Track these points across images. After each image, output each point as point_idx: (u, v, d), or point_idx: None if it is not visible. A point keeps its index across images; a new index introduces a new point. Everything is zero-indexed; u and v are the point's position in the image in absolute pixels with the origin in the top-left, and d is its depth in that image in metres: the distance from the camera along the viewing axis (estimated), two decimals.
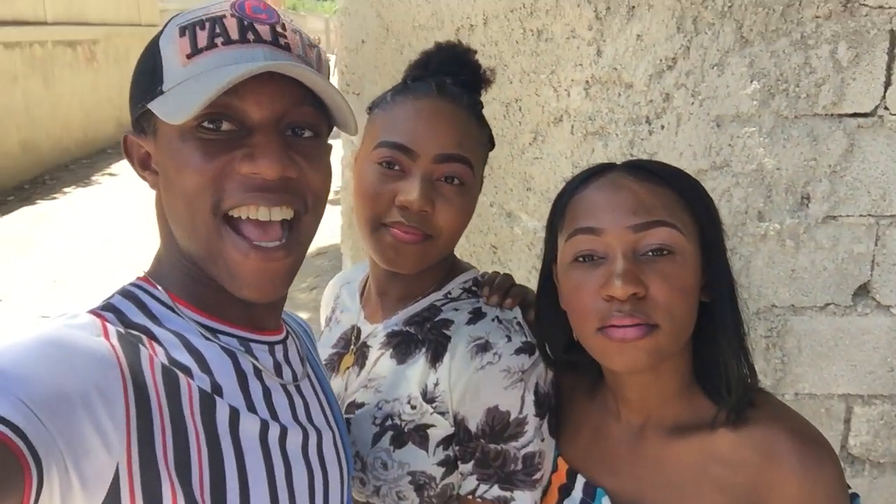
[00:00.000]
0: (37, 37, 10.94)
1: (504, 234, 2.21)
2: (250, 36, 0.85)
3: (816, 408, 2.12)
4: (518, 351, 1.10)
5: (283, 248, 0.88)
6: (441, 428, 1.12)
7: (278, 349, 0.99)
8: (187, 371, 0.85)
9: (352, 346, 1.29)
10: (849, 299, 2.03)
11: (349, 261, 2.60)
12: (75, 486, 0.70)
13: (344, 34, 2.46)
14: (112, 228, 8.17)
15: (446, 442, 1.12)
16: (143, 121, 0.90)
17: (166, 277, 0.93)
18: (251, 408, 0.90)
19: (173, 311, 0.90)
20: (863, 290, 2.04)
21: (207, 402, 0.85)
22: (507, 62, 2.08)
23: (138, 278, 0.94)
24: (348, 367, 1.28)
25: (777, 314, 2.05)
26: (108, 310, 0.87)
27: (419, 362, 1.17)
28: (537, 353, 1.12)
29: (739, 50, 1.88)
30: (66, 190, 10.30)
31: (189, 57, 0.84)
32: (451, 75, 1.20)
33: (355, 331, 1.31)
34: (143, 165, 0.93)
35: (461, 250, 2.34)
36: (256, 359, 0.94)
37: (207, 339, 0.90)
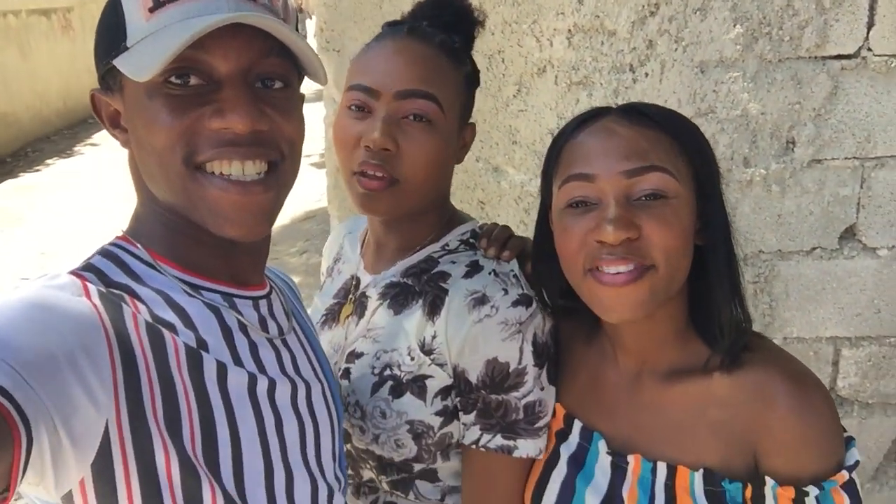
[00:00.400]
0: (10, 6, 10.72)
1: (491, 189, 2.20)
2: None
3: (805, 351, 2.14)
4: (515, 303, 1.10)
5: (261, 182, 0.87)
6: (439, 379, 1.13)
7: (262, 304, 0.99)
8: (171, 327, 0.85)
9: (351, 296, 1.30)
10: (835, 242, 2.04)
11: (336, 222, 2.58)
12: (65, 444, 0.70)
13: None
14: (97, 198, 8.10)
15: (444, 392, 1.14)
16: (108, 78, 0.88)
17: (146, 235, 0.92)
18: (238, 362, 0.90)
19: (154, 268, 0.89)
20: (849, 233, 2.04)
21: (194, 357, 0.85)
22: (488, 13, 2.04)
23: (117, 237, 0.93)
24: (348, 316, 1.29)
25: (764, 260, 2.06)
26: (88, 270, 0.86)
27: (416, 314, 1.17)
28: (534, 305, 1.12)
29: None
30: (48, 162, 10.19)
31: (151, 11, 0.82)
32: (430, 18, 1.19)
33: (354, 280, 1.32)
34: (113, 123, 0.92)
35: None
36: (241, 314, 0.94)
37: (190, 295, 0.90)
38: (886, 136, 1.95)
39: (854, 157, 1.97)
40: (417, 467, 1.19)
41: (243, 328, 0.94)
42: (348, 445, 1.24)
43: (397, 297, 1.21)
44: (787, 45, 1.88)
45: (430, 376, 1.14)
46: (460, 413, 1.14)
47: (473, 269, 1.17)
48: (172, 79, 0.83)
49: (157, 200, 0.90)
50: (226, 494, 0.83)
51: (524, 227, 2.15)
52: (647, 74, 1.93)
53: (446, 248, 1.23)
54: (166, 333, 0.84)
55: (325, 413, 1.04)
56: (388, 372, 1.16)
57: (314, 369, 1.06)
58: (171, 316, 0.86)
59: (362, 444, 1.19)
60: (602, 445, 1.09)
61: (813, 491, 0.96)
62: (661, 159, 0.98)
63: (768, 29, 1.87)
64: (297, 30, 0.93)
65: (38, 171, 9.74)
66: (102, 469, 0.75)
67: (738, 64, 1.90)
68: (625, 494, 1.04)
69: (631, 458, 1.05)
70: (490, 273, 1.15)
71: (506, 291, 1.11)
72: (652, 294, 0.96)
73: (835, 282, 2.07)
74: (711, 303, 1.03)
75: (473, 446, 1.13)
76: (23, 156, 10.46)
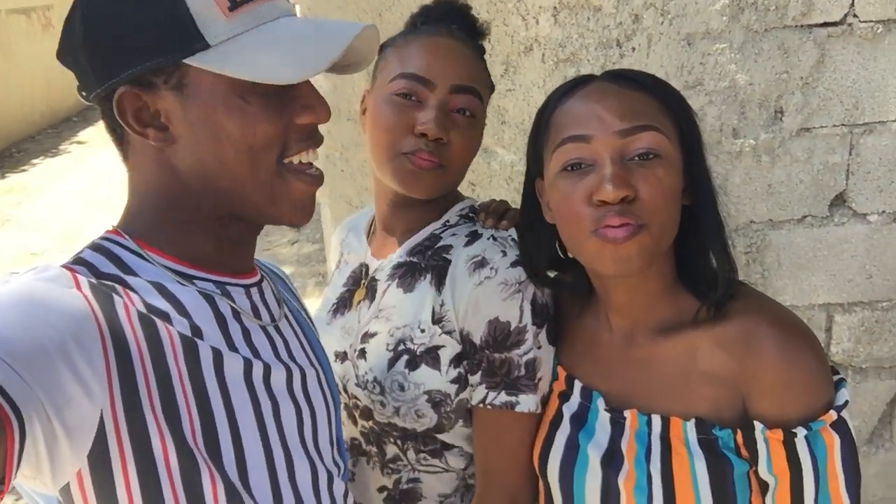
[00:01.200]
0: None
1: (481, 171, 2.20)
2: None
3: None
4: (514, 264, 1.15)
5: (319, 173, 0.95)
6: (450, 347, 1.18)
7: (254, 291, 1.00)
8: (165, 316, 0.85)
9: (362, 281, 1.35)
10: (825, 210, 2.05)
11: (327, 209, 2.58)
12: (60, 435, 0.70)
13: None
14: (85, 196, 8.07)
15: (457, 360, 1.18)
16: (152, 75, 0.85)
17: (138, 228, 0.92)
18: (232, 347, 0.91)
19: (146, 259, 0.90)
20: (839, 200, 2.06)
21: (189, 345, 0.85)
22: None
23: (107, 231, 0.93)
24: (360, 301, 1.33)
25: (756, 230, 2.07)
26: (78, 263, 0.86)
27: (424, 288, 1.22)
28: None
29: None
30: (34, 161, 10.13)
31: (231, 10, 0.83)
32: (456, 22, 1.27)
33: (363, 267, 1.36)
34: (142, 122, 0.87)
35: None
36: (234, 301, 0.95)
37: (183, 284, 0.90)
38: (874, 102, 1.96)
39: (842, 125, 1.98)
40: (443, 438, 1.23)
41: (237, 315, 0.94)
42: (370, 422, 1.26)
43: (405, 275, 1.26)
44: (773, 15, 1.88)
45: (442, 346, 1.18)
46: (468, 375, 1.18)
47: (473, 237, 1.22)
48: None
49: (154, 192, 0.90)
50: (226, 481, 0.83)
51: (515, 206, 2.15)
52: (633, 49, 1.93)
53: (447, 224, 1.29)
54: (160, 323, 0.84)
55: (321, 399, 1.05)
56: (402, 347, 1.20)
57: (308, 355, 1.06)
58: (164, 305, 0.86)
59: (384, 418, 1.23)
60: (601, 403, 1.12)
61: (801, 432, 0.98)
62: (652, 119, 1.00)
63: None
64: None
65: (24, 171, 9.69)
66: (99, 460, 0.75)
67: (724, 35, 1.91)
68: (623, 448, 1.07)
69: (627, 413, 1.08)
70: (489, 238, 1.20)
71: (504, 253, 1.16)
72: (645, 250, 0.99)
73: (826, 249, 2.08)
74: (698, 258, 1.07)
75: (481, 405, 1.17)
76: (8, 156, 10.39)
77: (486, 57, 1.97)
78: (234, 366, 0.89)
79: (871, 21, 1.90)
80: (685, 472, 1.02)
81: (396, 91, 1.18)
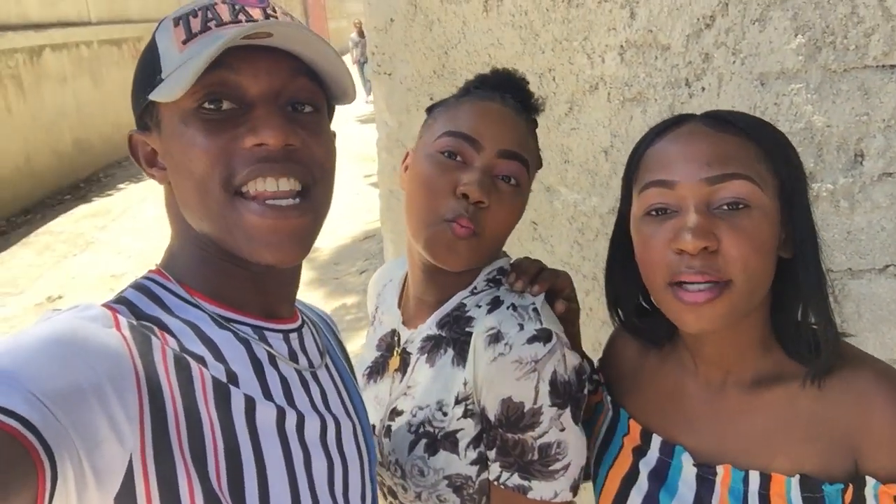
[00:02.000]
0: (82, 37, 11.17)
1: (544, 210, 2.16)
2: (242, 17, 0.86)
3: None
4: (531, 339, 1.08)
5: (297, 208, 0.88)
6: (469, 429, 1.12)
7: (293, 337, 0.99)
8: (201, 360, 0.85)
9: (395, 350, 1.30)
10: None
11: (390, 244, 2.58)
12: (89, 479, 0.69)
13: (372, 14, 2.42)
14: (166, 221, 8.33)
15: (476, 440, 1.13)
16: (146, 117, 0.90)
17: (179, 269, 0.92)
18: (267, 395, 0.90)
19: (186, 301, 0.90)
20: None
21: (222, 391, 0.84)
22: (538, 31, 2.02)
23: (150, 271, 0.94)
24: (394, 371, 1.29)
25: (834, 278, 1.96)
26: (120, 303, 0.87)
27: (446, 365, 1.18)
28: (554, 340, 1.09)
29: (781, 3, 1.79)
30: (119, 186, 10.54)
31: (184, 42, 0.84)
32: (511, 92, 1.24)
33: (396, 336, 1.32)
34: (150, 163, 0.93)
35: None
36: (271, 346, 0.93)
37: (221, 327, 0.89)
38: None
39: None
40: None
41: (273, 360, 0.93)
42: (396, 501, 1.23)
43: (432, 350, 1.22)
44: (853, 54, 1.79)
45: (461, 429, 1.12)
46: (487, 451, 1.13)
47: (493, 305, 1.17)
48: (206, 104, 0.84)
49: (192, 232, 0.91)
50: None
51: (578, 247, 2.10)
52: (703, 89, 1.87)
53: (474, 291, 1.23)
54: (194, 366, 0.83)
55: (356, 453, 1.02)
56: (422, 429, 1.16)
57: (345, 407, 1.04)
58: (200, 349, 0.86)
59: (407, 501, 1.19)
60: (686, 458, 1.06)
61: None
62: (743, 167, 0.95)
63: (832, 38, 1.79)
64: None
65: (109, 195, 10.08)
66: (126, 502, 0.74)
67: (800, 75, 1.82)
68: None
69: (720, 469, 1.02)
70: (508, 307, 1.15)
71: (521, 327, 1.10)
72: (731, 310, 0.94)
73: None
74: (796, 316, 1.01)
75: (496, 482, 1.12)
76: (95, 181, 10.84)
77: (551, 95, 1.95)
78: (266, 414, 0.88)
79: None
80: None
81: (442, 149, 1.15)
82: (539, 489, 1.09)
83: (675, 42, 1.85)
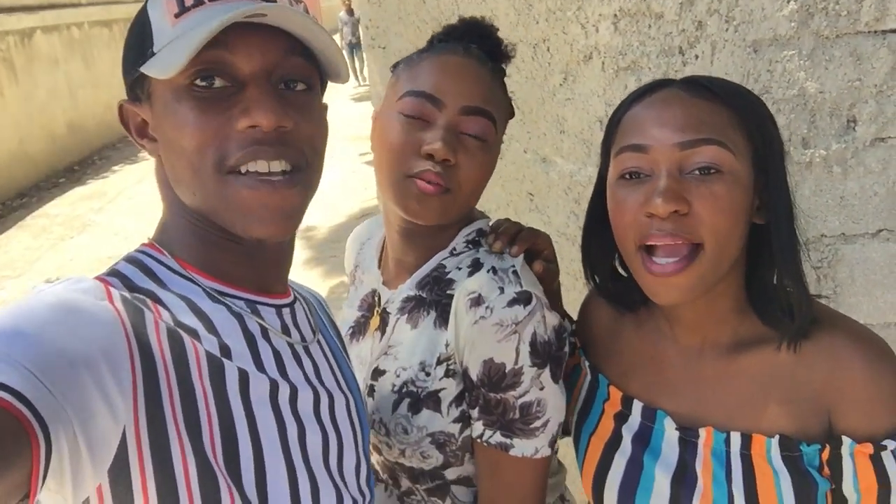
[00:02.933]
0: (73, 19, 11.08)
1: (540, 180, 2.18)
2: None
3: None
4: (511, 302, 1.09)
5: (288, 181, 0.87)
6: (451, 388, 1.14)
7: (286, 312, 0.99)
8: (194, 334, 0.85)
9: (375, 309, 1.31)
10: None
11: None
12: (83, 451, 0.69)
13: None
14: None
15: (458, 399, 1.15)
16: (137, 88, 0.90)
17: (172, 242, 0.93)
18: (260, 368, 0.90)
19: (179, 274, 0.90)
20: None
21: (215, 364, 0.85)
22: (532, 2, 2.02)
23: (143, 244, 0.94)
24: (374, 331, 1.29)
25: (827, 244, 1.98)
26: (113, 275, 0.87)
27: (428, 327, 1.18)
28: (534, 302, 1.10)
29: None
30: (114, 168, 10.51)
31: (177, 16, 0.84)
32: (475, 44, 1.21)
33: (376, 296, 1.32)
34: (140, 133, 0.93)
35: (497, 200, 2.31)
36: (263, 319, 0.94)
37: (214, 301, 0.90)
38: None
39: None
40: (451, 474, 1.20)
41: (265, 334, 0.94)
42: (381, 457, 1.25)
43: (412, 311, 1.22)
44: (845, 20, 1.80)
45: (443, 388, 1.14)
46: (469, 410, 1.14)
47: (474, 267, 1.17)
48: (198, 81, 0.84)
49: (184, 207, 0.91)
50: (245, 501, 0.82)
51: (574, 218, 2.12)
52: (697, 56, 1.87)
53: (454, 252, 1.23)
54: (187, 339, 0.84)
55: (349, 426, 1.03)
56: (405, 389, 1.17)
57: (337, 381, 1.05)
58: (194, 322, 0.86)
59: (392, 457, 1.21)
60: (669, 422, 1.08)
61: (890, 444, 0.95)
62: (716, 132, 0.96)
63: (824, 4, 1.80)
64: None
65: (104, 177, 10.06)
66: (119, 475, 0.75)
67: (793, 42, 1.83)
68: (699, 468, 1.04)
69: (702, 432, 1.05)
70: (488, 271, 1.14)
71: (502, 290, 1.10)
72: (701, 278, 0.95)
73: None
74: (770, 282, 1.03)
75: (479, 440, 1.14)
76: (90, 163, 10.80)
77: (545, 65, 1.94)
78: (260, 387, 0.88)
79: None
80: (770, 490, 0.99)
81: (403, 110, 1.13)
82: (520, 446, 1.11)
83: (668, 10, 1.85)
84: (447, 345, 1.14)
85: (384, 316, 1.27)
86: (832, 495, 1.01)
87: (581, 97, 2.01)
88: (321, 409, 0.98)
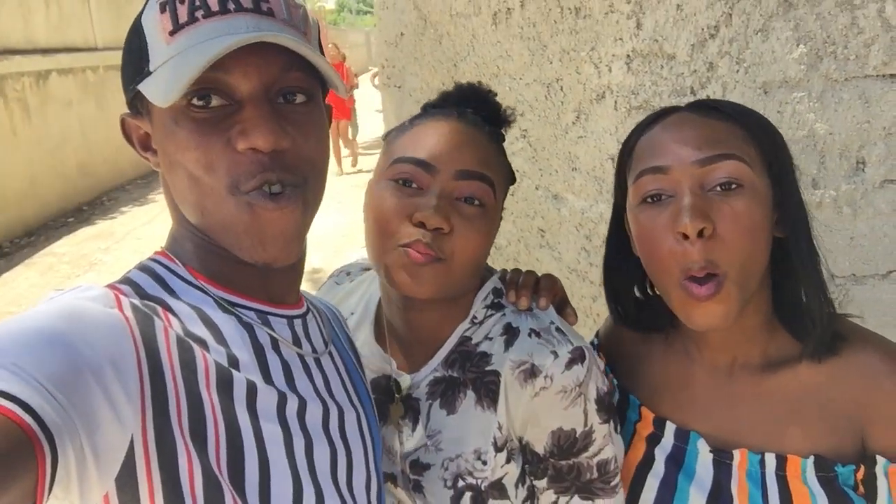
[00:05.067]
0: (89, 62, 11.27)
1: (551, 217, 2.20)
2: (231, 5, 0.83)
3: None
4: (569, 364, 1.04)
5: (289, 200, 0.86)
6: (512, 472, 1.09)
7: (297, 323, 0.98)
8: (203, 343, 0.85)
9: (396, 396, 1.20)
10: None
11: None
12: (90, 461, 0.69)
13: (382, 28, 2.47)
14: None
15: (522, 478, 1.10)
16: (136, 102, 0.90)
17: (183, 252, 0.93)
18: (268, 380, 0.89)
19: (190, 284, 0.90)
20: None
21: (224, 375, 0.84)
22: (546, 43, 2.07)
23: (156, 253, 0.94)
24: (400, 419, 1.19)
25: (837, 284, 1.99)
26: (125, 283, 0.88)
27: (472, 410, 1.11)
28: (588, 356, 1.06)
29: (783, 14, 1.84)
30: (122, 209, 10.57)
31: (171, 34, 0.83)
32: (473, 107, 1.17)
33: (393, 382, 1.21)
34: (144, 146, 0.93)
35: (508, 236, 2.33)
36: (274, 330, 0.93)
37: (225, 311, 0.89)
38: None
39: None
40: None
41: (276, 346, 0.93)
42: None
43: (445, 393, 1.14)
44: (854, 64, 1.84)
45: (506, 474, 1.09)
46: (534, 480, 1.09)
47: (510, 335, 1.10)
48: (195, 101, 0.83)
49: (191, 222, 0.91)
50: None
51: (585, 254, 2.13)
52: (707, 97, 1.91)
53: (475, 320, 1.15)
54: (197, 349, 0.83)
55: (360, 441, 1.01)
56: (461, 482, 1.09)
57: (349, 395, 1.04)
58: (203, 332, 0.86)
59: None
60: (702, 444, 1.08)
61: None
62: (733, 147, 0.98)
63: (833, 48, 1.84)
64: (318, 39, 0.95)
65: (113, 217, 10.11)
66: (127, 483, 0.74)
67: (802, 84, 1.87)
68: (734, 489, 1.03)
69: (736, 453, 1.04)
70: (530, 335, 1.08)
71: (556, 354, 1.05)
72: (733, 302, 0.96)
73: None
74: (796, 293, 1.03)
75: None
76: (99, 204, 10.88)
77: (558, 104, 1.98)
78: (267, 399, 0.88)
79: None
80: None
81: (395, 176, 1.07)
82: None
83: (680, 51, 1.90)
84: (500, 427, 1.07)
85: (410, 403, 1.17)
86: None
87: (594, 135, 2.04)
88: (330, 423, 0.96)
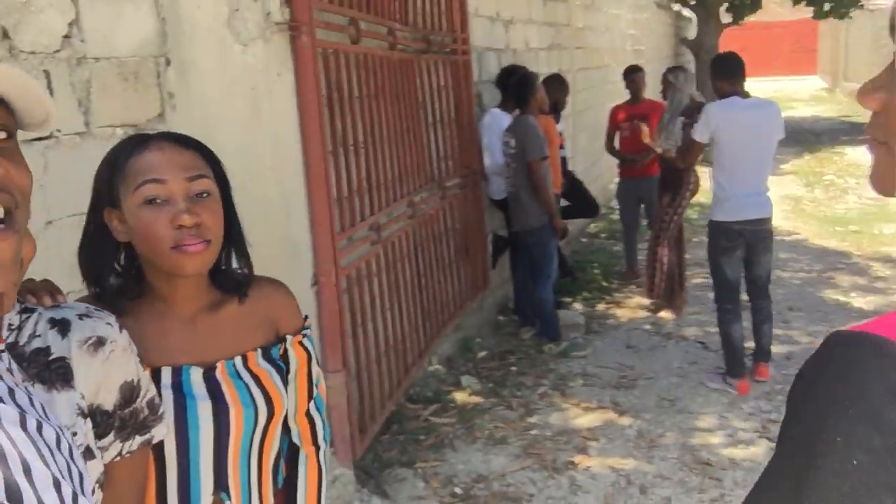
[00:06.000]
0: None
1: None
2: None
3: None
4: (121, 329, 1.18)
5: (5, 230, 0.85)
6: (91, 436, 1.12)
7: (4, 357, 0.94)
8: None
9: None
10: None
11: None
12: None
13: None
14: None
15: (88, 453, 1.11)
16: None
17: None
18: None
19: None
20: None
21: None
22: None
23: None
24: None
25: None
26: None
27: (47, 396, 1.11)
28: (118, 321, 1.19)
29: None
30: None
31: None
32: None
33: None
34: None
35: None
36: None
37: None
38: None
39: None
40: None
41: None
42: None
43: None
44: None
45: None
46: (110, 441, 1.16)
47: (61, 325, 1.12)
48: None
49: None
50: None
51: None
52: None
53: (11, 327, 1.11)
54: None
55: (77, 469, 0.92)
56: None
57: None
58: None
59: None
60: (194, 371, 1.37)
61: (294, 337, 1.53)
62: (204, 170, 1.32)
63: None
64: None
65: None
66: None
67: None
68: (224, 389, 1.39)
69: (218, 364, 1.39)
70: (81, 318, 1.14)
71: (111, 325, 1.17)
72: (211, 258, 1.33)
73: None
74: (220, 263, 1.42)
75: (118, 458, 1.17)
76: None
77: None
78: (9, 415, 0.81)
79: None
80: (270, 382, 1.43)
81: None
82: (159, 432, 1.23)
83: None
84: (83, 396, 1.13)
85: None
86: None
87: None
88: (62, 445, 0.89)
